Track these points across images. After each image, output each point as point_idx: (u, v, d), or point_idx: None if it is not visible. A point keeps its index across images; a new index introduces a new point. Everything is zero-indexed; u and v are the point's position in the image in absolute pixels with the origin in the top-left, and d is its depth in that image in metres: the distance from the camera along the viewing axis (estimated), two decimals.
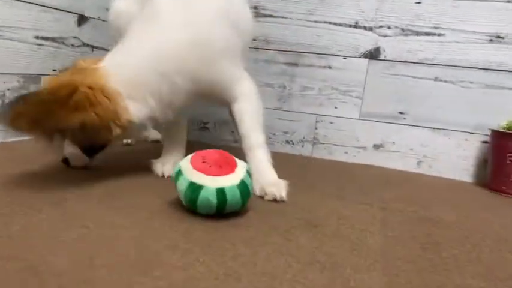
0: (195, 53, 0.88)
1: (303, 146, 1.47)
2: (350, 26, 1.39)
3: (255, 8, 1.45)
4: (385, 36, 1.37)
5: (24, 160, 0.99)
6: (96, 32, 1.45)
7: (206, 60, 0.90)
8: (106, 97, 0.82)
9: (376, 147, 1.41)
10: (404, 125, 1.38)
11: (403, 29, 1.35)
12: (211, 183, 0.73)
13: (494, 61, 1.29)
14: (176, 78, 0.88)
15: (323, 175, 1.21)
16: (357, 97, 1.41)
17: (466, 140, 1.34)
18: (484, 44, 1.30)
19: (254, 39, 1.46)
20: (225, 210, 0.74)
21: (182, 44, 0.87)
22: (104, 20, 1.45)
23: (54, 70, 1.30)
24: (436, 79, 1.34)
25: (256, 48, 1.46)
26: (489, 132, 1.27)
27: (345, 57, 1.41)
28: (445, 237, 0.78)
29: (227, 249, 0.62)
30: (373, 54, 1.38)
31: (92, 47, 1.45)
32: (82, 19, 1.39)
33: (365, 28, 1.38)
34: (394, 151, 1.40)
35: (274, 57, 1.46)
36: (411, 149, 1.38)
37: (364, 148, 1.42)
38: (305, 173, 1.22)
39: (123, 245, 0.60)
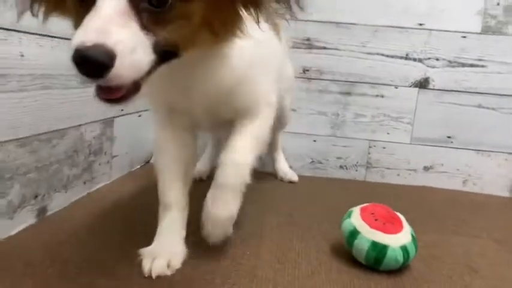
0: None
1: (356, 170, 1.55)
2: (401, 57, 1.48)
3: (308, 39, 1.50)
4: (433, 67, 1.48)
5: None
6: None
7: None
8: None
9: (426, 168, 1.53)
10: (452, 148, 1.51)
11: (450, 61, 1.47)
12: (395, 242, 0.78)
13: None
14: None
15: (394, 203, 1.29)
16: (407, 123, 1.51)
17: (506, 160, 1.50)
18: None
19: (307, 70, 1.51)
20: (406, 264, 0.80)
21: None
22: None
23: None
24: (479, 106, 1.48)
25: (309, 79, 1.51)
26: None
27: (396, 87, 1.50)
28: None
29: None
30: (422, 84, 1.49)
31: None
32: None
33: (415, 60, 1.48)
34: (442, 172, 1.52)
35: (328, 86, 1.52)
36: (457, 170, 1.52)
37: (414, 170, 1.53)
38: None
39: None
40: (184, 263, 0.76)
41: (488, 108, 1.48)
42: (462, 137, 1.50)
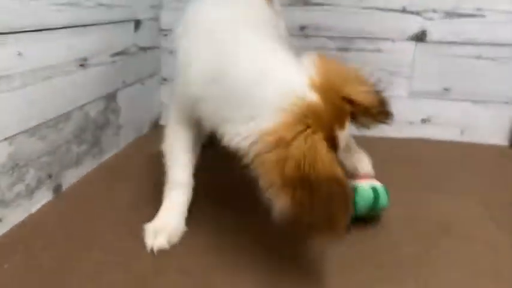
0: None
1: None
2: (398, 11, 1.47)
3: None
4: (430, 19, 1.47)
5: None
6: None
7: None
8: None
9: (424, 121, 1.56)
10: (449, 99, 1.53)
11: (447, 12, 1.45)
12: (364, 184, 0.90)
13: None
14: None
15: (388, 158, 1.35)
16: (405, 77, 1.53)
17: (503, 109, 1.52)
18: None
19: (304, 27, 1.51)
20: (377, 207, 0.89)
21: None
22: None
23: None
24: (478, 57, 1.48)
25: (307, 36, 1.52)
26: None
27: (393, 41, 1.50)
28: None
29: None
30: (419, 37, 1.49)
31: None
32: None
33: (412, 12, 1.47)
34: (439, 123, 1.56)
35: (325, 43, 1.53)
36: (455, 121, 1.55)
37: (412, 123, 1.57)
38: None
39: None
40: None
41: (487, 58, 1.48)
42: (459, 88, 1.52)
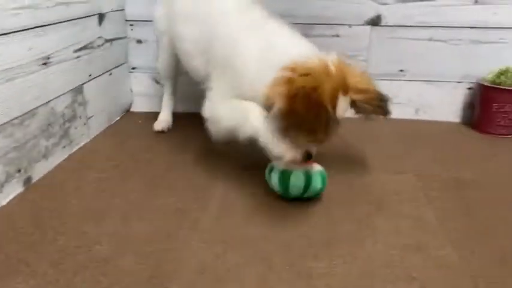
0: None
1: None
2: None
3: None
4: (384, 4, 1.53)
5: None
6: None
7: None
8: None
9: None
10: (404, 80, 1.61)
11: None
12: (298, 169, 0.98)
13: (479, 20, 1.51)
14: None
15: (347, 137, 1.44)
16: (363, 60, 1.60)
17: (455, 88, 1.60)
18: (470, 5, 1.50)
19: None
20: (309, 191, 0.99)
21: None
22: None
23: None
24: (430, 39, 1.55)
25: None
26: (474, 80, 1.54)
27: (350, 26, 1.57)
28: (473, 199, 1.06)
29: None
30: (375, 21, 1.55)
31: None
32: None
33: None
34: (396, 103, 1.64)
35: None
36: (410, 100, 1.64)
37: None
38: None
39: None
40: None
41: (438, 40, 1.55)
42: (414, 69, 1.60)
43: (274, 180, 1.01)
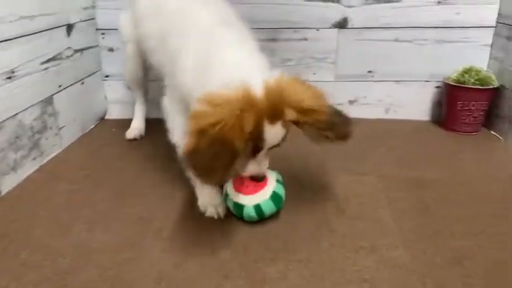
0: None
1: None
2: (319, 0, 1.55)
3: None
4: (350, 7, 1.56)
5: None
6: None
7: None
8: None
9: (351, 102, 1.68)
10: (373, 81, 1.64)
11: None
12: (249, 202, 0.96)
13: (442, 20, 1.54)
14: None
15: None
16: (331, 62, 1.63)
17: (423, 87, 1.64)
18: (433, 6, 1.53)
19: None
20: (265, 218, 0.99)
21: None
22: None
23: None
24: (396, 40, 1.58)
25: None
26: (441, 79, 1.57)
27: (317, 29, 1.59)
28: (431, 198, 1.09)
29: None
30: (341, 24, 1.58)
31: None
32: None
33: (333, 1, 1.55)
34: (366, 103, 1.68)
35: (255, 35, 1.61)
36: (379, 100, 1.67)
37: (341, 104, 1.68)
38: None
39: None
40: None
41: (404, 41, 1.58)
42: (382, 70, 1.63)
43: (230, 206, 1.01)
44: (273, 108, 0.82)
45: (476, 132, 1.52)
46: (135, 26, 1.26)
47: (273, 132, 0.84)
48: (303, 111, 0.84)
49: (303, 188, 1.14)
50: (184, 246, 0.92)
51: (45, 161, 1.33)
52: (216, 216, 1.02)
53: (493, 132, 1.52)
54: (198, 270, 0.85)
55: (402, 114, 1.67)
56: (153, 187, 1.17)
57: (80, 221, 1.02)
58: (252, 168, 0.91)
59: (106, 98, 1.73)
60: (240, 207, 0.97)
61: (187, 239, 0.95)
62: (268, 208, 0.97)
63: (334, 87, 1.65)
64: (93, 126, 1.65)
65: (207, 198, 1.05)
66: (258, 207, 0.96)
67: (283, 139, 0.88)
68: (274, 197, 0.97)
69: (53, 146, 1.37)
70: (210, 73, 0.87)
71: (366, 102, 1.67)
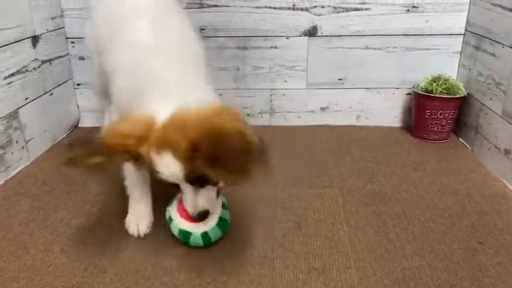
0: None
1: (262, 117, 1.70)
2: (288, 8, 1.55)
3: (200, 0, 1.55)
4: (320, 15, 1.55)
5: None
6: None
7: None
8: None
9: (323, 109, 1.68)
10: (344, 88, 1.64)
11: (335, 7, 1.54)
12: (197, 229, 0.95)
13: (411, 27, 1.54)
14: None
15: (283, 149, 1.47)
16: (302, 70, 1.63)
17: (394, 94, 1.64)
18: (402, 13, 1.53)
19: (203, 29, 1.58)
20: (211, 243, 0.98)
21: None
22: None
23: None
24: (366, 47, 1.58)
25: (206, 37, 1.59)
26: (411, 86, 1.57)
27: (287, 37, 1.59)
28: (388, 214, 1.10)
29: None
30: (311, 32, 1.57)
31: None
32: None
33: (302, 9, 1.55)
34: (337, 110, 1.68)
35: (225, 43, 1.61)
36: (350, 107, 1.67)
37: (313, 111, 1.68)
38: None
39: None
40: None
41: (374, 48, 1.58)
42: (352, 77, 1.63)
43: (175, 232, 0.99)
44: (163, 139, 0.79)
45: (445, 140, 1.53)
46: (94, 36, 1.24)
47: (164, 164, 0.80)
48: (209, 138, 0.77)
49: (264, 203, 1.15)
50: (137, 268, 0.93)
51: (11, 175, 1.32)
52: (136, 235, 1.04)
53: (461, 140, 1.53)
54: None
55: (373, 121, 1.67)
56: (114, 204, 1.16)
57: (38, 242, 1.03)
58: (188, 200, 0.87)
59: (78, 107, 1.73)
60: (185, 234, 0.96)
61: (140, 260, 0.96)
62: (215, 235, 0.97)
63: (306, 95, 1.65)
64: (65, 135, 1.64)
65: (134, 216, 1.06)
66: (205, 235, 0.96)
67: (196, 176, 0.82)
68: (221, 223, 0.97)
69: (19, 160, 1.37)
70: (138, 100, 0.86)
71: (337, 109, 1.67)
